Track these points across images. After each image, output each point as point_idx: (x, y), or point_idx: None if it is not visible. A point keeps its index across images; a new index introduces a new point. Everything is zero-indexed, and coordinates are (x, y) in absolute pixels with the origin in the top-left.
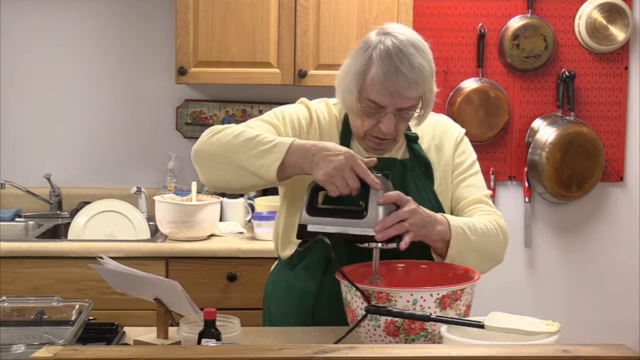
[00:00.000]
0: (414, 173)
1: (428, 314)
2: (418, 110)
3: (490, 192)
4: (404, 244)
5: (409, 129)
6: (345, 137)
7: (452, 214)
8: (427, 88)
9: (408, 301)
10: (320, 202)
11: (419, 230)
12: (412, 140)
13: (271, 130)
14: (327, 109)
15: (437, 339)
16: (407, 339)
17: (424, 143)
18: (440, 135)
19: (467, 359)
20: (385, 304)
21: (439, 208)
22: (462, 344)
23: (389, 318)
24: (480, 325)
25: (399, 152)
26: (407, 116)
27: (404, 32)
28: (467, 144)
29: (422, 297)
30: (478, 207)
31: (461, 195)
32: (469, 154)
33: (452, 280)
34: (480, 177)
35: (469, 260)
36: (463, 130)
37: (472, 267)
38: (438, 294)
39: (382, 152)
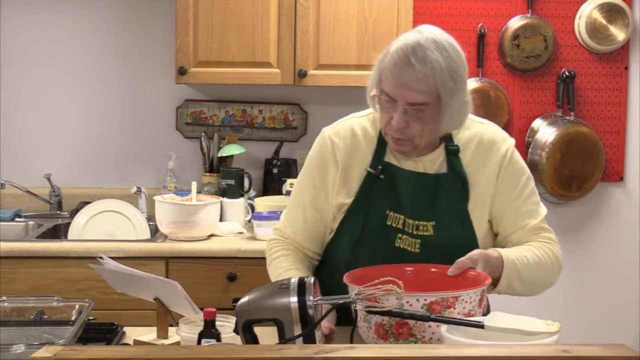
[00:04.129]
0: (448, 189)
1: (428, 314)
2: (432, 111)
3: (546, 212)
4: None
5: (451, 140)
6: (381, 147)
7: (496, 236)
8: (442, 87)
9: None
10: None
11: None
12: (451, 153)
13: (315, 197)
14: (350, 126)
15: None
16: (396, 342)
17: (466, 157)
18: (485, 149)
19: (467, 359)
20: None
21: (468, 227)
22: (462, 344)
23: (379, 320)
24: (480, 325)
25: (435, 164)
26: (420, 115)
27: (432, 31)
28: (517, 161)
29: (408, 302)
30: (535, 235)
31: (516, 224)
32: (520, 172)
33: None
34: (535, 199)
35: (517, 288)
36: (511, 143)
37: (521, 294)
38: (425, 300)
39: (406, 154)
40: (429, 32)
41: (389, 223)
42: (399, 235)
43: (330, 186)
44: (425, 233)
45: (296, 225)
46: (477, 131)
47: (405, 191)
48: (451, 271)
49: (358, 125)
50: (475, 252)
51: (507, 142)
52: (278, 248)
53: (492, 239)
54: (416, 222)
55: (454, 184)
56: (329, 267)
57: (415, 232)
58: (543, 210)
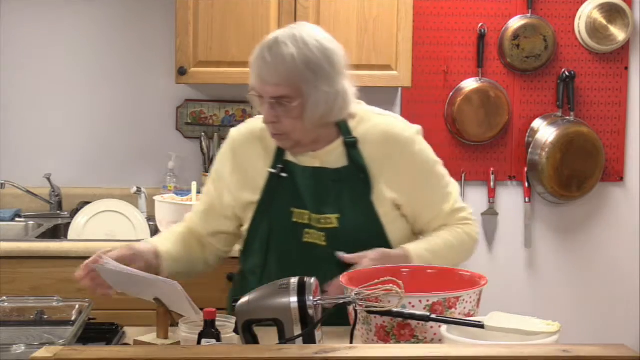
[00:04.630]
0: (350, 181)
1: (428, 314)
2: (296, 104)
3: (457, 189)
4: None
5: (348, 133)
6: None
7: (409, 222)
8: (299, 78)
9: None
10: None
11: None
12: (349, 145)
13: (216, 191)
14: (255, 125)
15: None
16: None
17: (366, 149)
18: (385, 140)
19: (467, 359)
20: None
21: (373, 217)
22: (462, 344)
23: (380, 322)
24: (480, 325)
25: (333, 158)
26: (285, 109)
27: (299, 27)
28: (419, 149)
29: (410, 303)
30: (450, 218)
31: (430, 212)
32: (424, 160)
33: (456, 286)
34: (443, 182)
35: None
36: (413, 132)
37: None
38: (428, 301)
39: (285, 148)
40: (293, 28)
41: (294, 220)
42: (306, 230)
43: (229, 182)
44: (330, 225)
45: (197, 213)
46: (376, 123)
47: (305, 187)
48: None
49: (263, 124)
50: (373, 251)
51: (407, 132)
52: (177, 231)
53: (405, 227)
54: (320, 216)
55: (355, 176)
56: (244, 272)
57: (319, 226)
58: (454, 189)
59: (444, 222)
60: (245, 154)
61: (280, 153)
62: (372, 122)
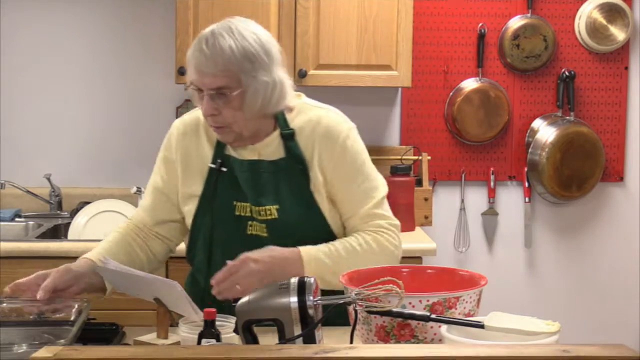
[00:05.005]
0: (287, 173)
1: (428, 314)
2: (236, 94)
3: (383, 194)
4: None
5: (286, 125)
6: (221, 141)
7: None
8: (237, 68)
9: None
10: None
11: (258, 279)
12: (286, 137)
13: (160, 182)
14: (197, 116)
15: None
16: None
17: (302, 140)
18: (320, 133)
19: (467, 359)
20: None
21: (314, 208)
22: (462, 344)
23: (380, 322)
24: (480, 325)
25: (271, 150)
26: (225, 99)
27: (234, 21)
28: (351, 145)
29: (410, 303)
30: (364, 224)
31: (350, 209)
32: (354, 157)
33: (456, 286)
34: (369, 184)
35: (333, 282)
36: (347, 128)
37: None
38: (428, 301)
39: (226, 142)
40: (229, 21)
41: (237, 213)
42: (249, 222)
43: (172, 173)
44: (270, 217)
45: (144, 207)
46: (313, 115)
47: (244, 180)
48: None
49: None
50: (260, 250)
51: (342, 126)
52: (117, 228)
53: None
54: (260, 208)
55: (293, 167)
56: (193, 274)
57: (260, 218)
58: (379, 193)
59: (357, 223)
60: (190, 145)
61: (220, 147)
62: (309, 114)
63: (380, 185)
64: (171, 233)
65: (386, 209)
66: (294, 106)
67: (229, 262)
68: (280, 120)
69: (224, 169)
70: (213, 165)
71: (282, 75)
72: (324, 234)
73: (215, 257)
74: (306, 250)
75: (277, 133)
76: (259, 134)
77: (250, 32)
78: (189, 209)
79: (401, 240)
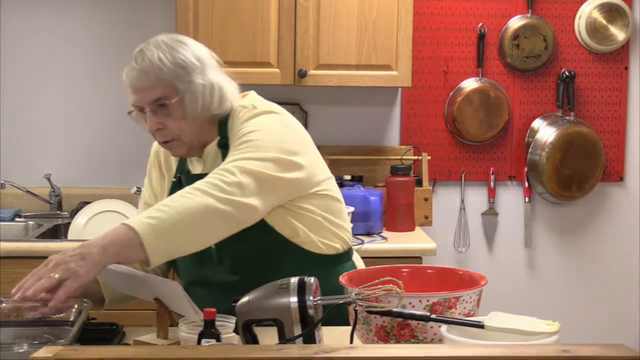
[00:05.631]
0: None
1: (428, 314)
2: (176, 102)
3: (261, 156)
4: (52, 302)
5: (224, 134)
6: (182, 161)
7: None
8: (171, 75)
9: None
10: None
11: (81, 267)
12: (221, 146)
13: (148, 197)
14: None
15: None
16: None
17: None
18: (232, 126)
19: (467, 359)
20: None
21: None
22: (462, 344)
23: (380, 323)
24: (480, 325)
25: (214, 163)
26: (166, 110)
27: (161, 35)
28: (252, 123)
29: (410, 303)
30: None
31: None
32: (245, 131)
33: (456, 286)
34: (246, 148)
35: (186, 239)
36: (254, 111)
37: (197, 242)
38: (428, 301)
39: (178, 155)
40: (156, 37)
41: None
42: None
43: (156, 188)
44: None
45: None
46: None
47: None
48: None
49: None
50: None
51: (243, 110)
52: None
53: (281, 211)
54: None
55: None
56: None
57: None
58: (250, 153)
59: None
60: (162, 161)
61: (182, 161)
62: (237, 115)
63: (264, 150)
64: None
65: (248, 163)
66: (238, 107)
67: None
68: (221, 128)
69: (183, 184)
70: (174, 179)
71: (220, 77)
72: (272, 236)
73: (178, 271)
74: (132, 219)
75: (215, 142)
76: (207, 144)
77: (176, 40)
78: None
79: (245, 180)
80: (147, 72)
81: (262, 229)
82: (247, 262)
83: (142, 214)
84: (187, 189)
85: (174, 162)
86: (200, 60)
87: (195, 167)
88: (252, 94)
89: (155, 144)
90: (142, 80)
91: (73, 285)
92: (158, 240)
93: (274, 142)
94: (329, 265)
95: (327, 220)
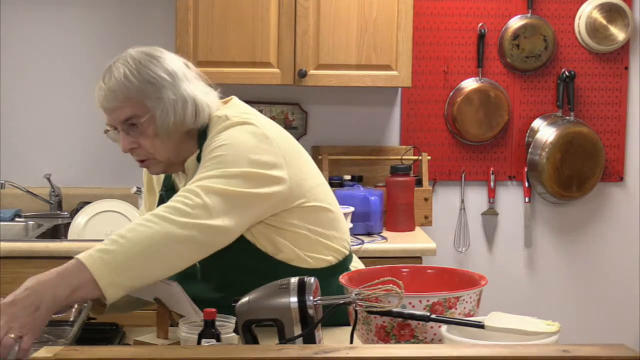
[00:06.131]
0: None
1: (428, 314)
2: (148, 120)
3: (228, 172)
4: (24, 344)
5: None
6: (168, 175)
7: None
8: (139, 93)
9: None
10: None
11: (35, 319)
12: (200, 159)
13: (147, 206)
14: None
15: None
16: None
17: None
18: (208, 137)
19: (467, 359)
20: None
21: None
22: (462, 344)
23: (380, 323)
24: (480, 325)
25: (189, 175)
26: (139, 129)
27: (130, 50)
28: (224, 137)
29: (410, 303)
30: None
31: None
32: (215, 145)
33: (456, 286)
34: (213, 164)
35: (145, 271)
36: (227, 122)
37: (162, 271)
38: (428, 301)
39: (156, 173)
40: (126, 52)
41: None
42: None
43: (149, 201)
44: None
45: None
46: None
47: None
48: None
49: None
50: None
51: (216, 123)
52: None
53: (258, 225)
54: None
55: None
56: None
57: None
58: (216, 169)
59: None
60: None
61: (167, 175)
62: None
63: (232, 165)
64: None
65: (215, 182)
66: (214, 117)
67: None
68: (200, 141)
69: (164, 199)
70: (162, 192)
71: (196, 90)
72: (254, 252)
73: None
74: (84, 253)
75: (194, 156)
76: (187, 158)
77: (144, 54)
78: None
79: (209, 201)
80: (114, 91)
81: (243, 246)
82: (231, 280)
83: (96, 247)
84: (146, 216)
85: (162, 176)
86: (172, 75)
87: (181, 181)
88: (234, 100)
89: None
90: (110, 100)
91: (30, 340)
92: (111, 275)
93: (243, 155)
94: (321, 280)
95: (315, 233)
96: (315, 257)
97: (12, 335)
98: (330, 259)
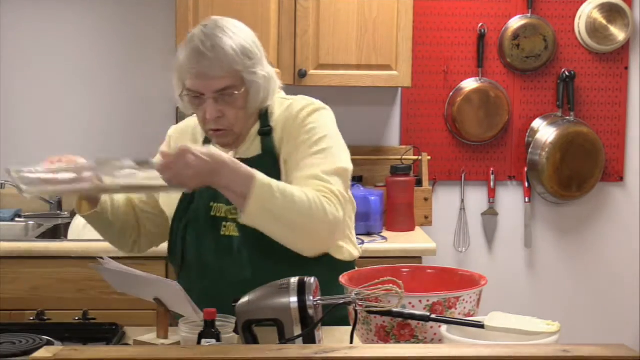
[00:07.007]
0: (262, 170)
1: (428, 314)
2: (240, 92)
3: (331, 168)
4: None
5: (266, 123)
6: (206, 142)
7: None
8: (240, 66)
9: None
10: None
11: (193, 175)
12: (263, 134)
13: None
14: (190, 123)
15: None
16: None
17: (277, 134)
18: (287, 119)
19: (467, 359)
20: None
21: None
22: (462, 344)
23: (380, 323)
24: (480, 325)
25: (250, 149)
26: (230, 100)
27: (216, 19)
28: (315, 120)
29: (410, 303)
30: (310, 183)
31: (290, 174)
32: (315, 131)
33: (456, 286)
34: (326, 156)
35: (271, 226)
36: (313, 108)
37: (279, 238)
38: (428, 301)
39: (230, 147)
40: (212, 21)
41: (213, 214)
42: (224, 223)
43: None
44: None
45: None
46: (285, 106)
47: None
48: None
49: (195, 122)
50: (181, 146)
51: (304, 105)
52: None
53: None
54: (231, 207)
55: (267, 163)
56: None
57: (232, 217)
58: (332, 164)
59: (303, 183)
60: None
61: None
62: (285, 106)
63: (339, 162)
64: (150, 222)
65: (336, 182)
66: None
67: (165, 151)
68: (262, 117)
69: None
70: None
71: (270, 67)
72: None
73: (188, 257)
74: (262, 175)
75: (255, 130)
76: (245, 132)
77: (239, 28)
78: (172, 211)
79: (342, 214)
80: (220, 61)
81: None
82: (265, 258)
83: (272, 181)
84: (308, 192)
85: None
86: (260, 49)
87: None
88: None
89: (173, 128)
90: (215, 69)
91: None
92: (262, 204)
93: (343, 147)
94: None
95: (347, 226)
96: (347, 250)
97: (190, 172)
98: (356, 253)
